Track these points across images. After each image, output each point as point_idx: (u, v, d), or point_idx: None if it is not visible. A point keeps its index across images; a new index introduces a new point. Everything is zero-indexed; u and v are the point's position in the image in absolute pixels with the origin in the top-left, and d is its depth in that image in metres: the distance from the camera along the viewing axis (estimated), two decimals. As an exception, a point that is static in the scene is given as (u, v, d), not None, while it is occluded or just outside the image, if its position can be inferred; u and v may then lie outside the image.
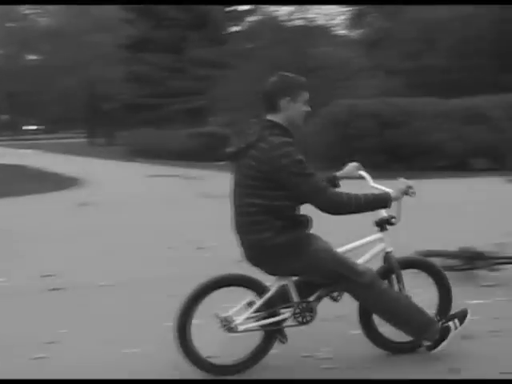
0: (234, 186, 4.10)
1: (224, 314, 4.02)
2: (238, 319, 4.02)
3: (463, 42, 38.64)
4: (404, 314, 4.15)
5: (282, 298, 4.09)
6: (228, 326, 4.00)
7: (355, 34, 53.28)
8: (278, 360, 4.20)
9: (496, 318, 4.83)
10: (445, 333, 4.21)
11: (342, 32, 51.50)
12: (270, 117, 4.01)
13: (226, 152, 4.07)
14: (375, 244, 4.31)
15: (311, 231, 4.10)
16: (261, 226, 3.92)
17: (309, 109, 4.08)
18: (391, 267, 4.29)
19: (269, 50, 29.33)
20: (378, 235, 4.32)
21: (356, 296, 4.15)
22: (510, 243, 6.71)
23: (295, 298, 4.10)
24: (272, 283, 4.09)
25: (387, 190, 4.14)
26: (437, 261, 6.60)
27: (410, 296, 4.25)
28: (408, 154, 19.03)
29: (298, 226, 4.01)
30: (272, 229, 3.91)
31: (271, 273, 4.11)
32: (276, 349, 4.19)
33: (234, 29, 44.08)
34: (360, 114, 19.47)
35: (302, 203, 4.01)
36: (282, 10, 33.76)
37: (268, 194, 3.89)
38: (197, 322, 4.02)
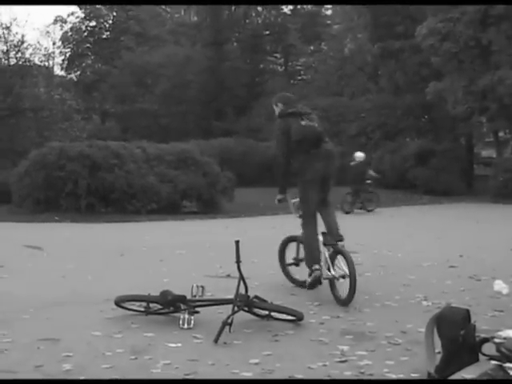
0: None
1: None
2: None
3: (176, 88, 39.97)
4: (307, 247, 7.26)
5: None
6: None
7: (72, 75, 52.86)
8: None
9: (191, 360, 4.90)
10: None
11: (59, 73, 50.85)
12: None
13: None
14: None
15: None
16: None
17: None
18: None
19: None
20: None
21: None
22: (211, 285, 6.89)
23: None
24: None
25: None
26: (138, 305, 6.60)
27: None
28: (119, 197, 19.06)
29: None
30: None
31: None
32: None
33: None
34: (70, 156, 19.19)
35: None
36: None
37: None
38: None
